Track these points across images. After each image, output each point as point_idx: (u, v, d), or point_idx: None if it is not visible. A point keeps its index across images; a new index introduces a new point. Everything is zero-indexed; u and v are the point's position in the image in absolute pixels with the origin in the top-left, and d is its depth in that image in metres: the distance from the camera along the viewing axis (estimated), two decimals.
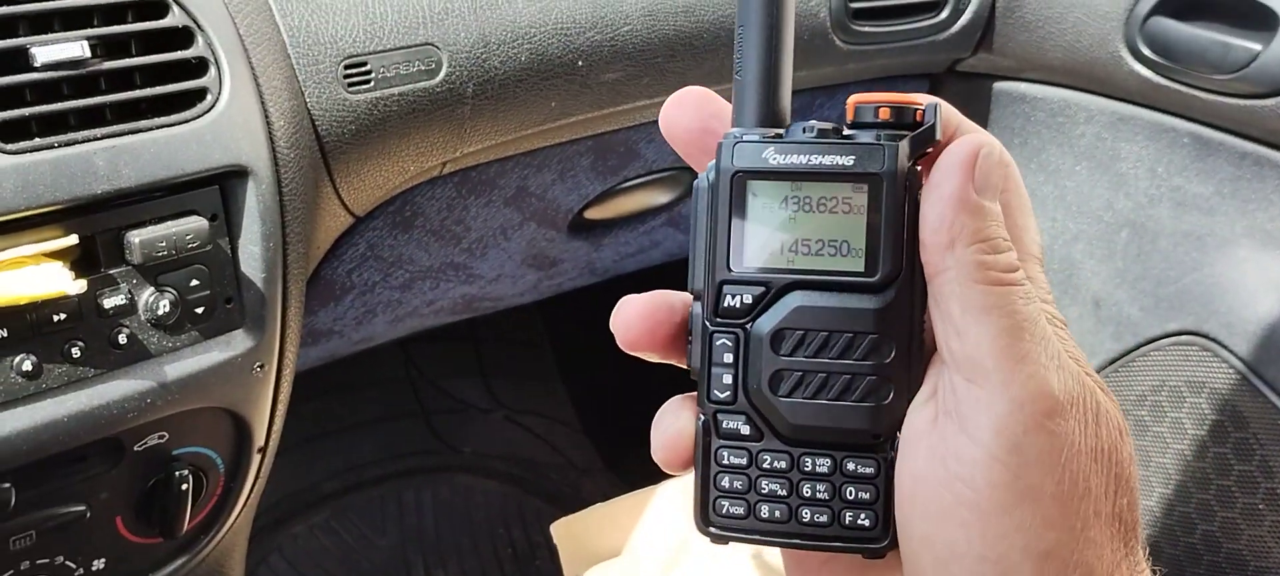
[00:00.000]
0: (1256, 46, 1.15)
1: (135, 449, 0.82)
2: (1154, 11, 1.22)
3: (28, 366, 0.73)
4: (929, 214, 0.43)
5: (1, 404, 0.73)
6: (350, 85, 0.90)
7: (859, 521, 0.45)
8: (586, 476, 1.91)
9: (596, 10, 1.03)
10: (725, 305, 0.45)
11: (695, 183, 0.46)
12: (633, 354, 0.47)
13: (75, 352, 0.75)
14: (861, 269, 0.44)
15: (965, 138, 0.43)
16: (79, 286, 0.73)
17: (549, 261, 1.30)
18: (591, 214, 1.25)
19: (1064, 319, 0.45)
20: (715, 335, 0.46)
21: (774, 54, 0.46)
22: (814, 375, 0.45)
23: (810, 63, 1.22)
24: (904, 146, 0.44)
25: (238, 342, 0.83)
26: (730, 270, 0.45)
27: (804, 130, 0.45)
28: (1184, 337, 1.32)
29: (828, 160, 0.44)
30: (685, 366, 0.47)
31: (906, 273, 0.44)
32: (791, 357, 0.45)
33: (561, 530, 1.41)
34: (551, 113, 1.04)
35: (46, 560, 0.81)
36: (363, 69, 0.90)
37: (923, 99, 0.45)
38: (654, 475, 1.43)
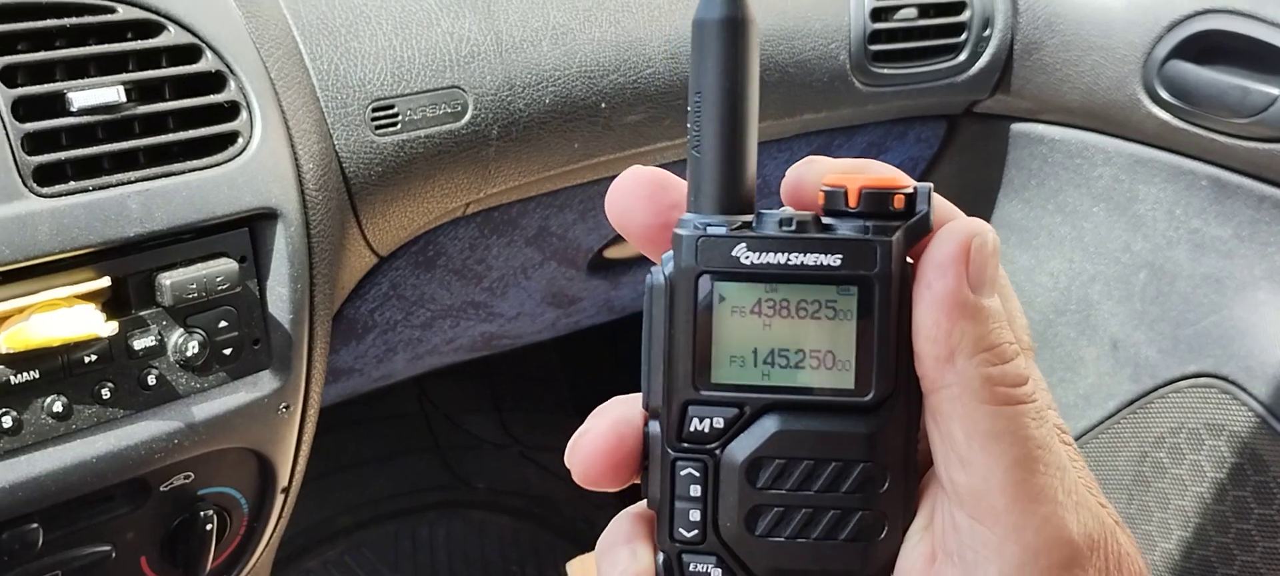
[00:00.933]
0: (1275, 91, 1.15)
1: (161, 489, 0.82)
2: (1172, 55, 1.23)
3: (58, 408, 0.74)
4: (924, 321, 0.37)
5: (32, 445, 0.73)
6: (378, 128, 0.91)
7: None
8: (601, 512, 1.91)
9: (620, 53, 1.04)
10: (692, 430, 0.39)
11: (648, 278, 0.39)
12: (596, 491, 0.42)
13: (105, 394, 0.76)
14: (851, 386, 0.38)
15: (952, 226, 0.37)
16: (111, 328, 0.73)
17: (568, 299, 1.30)
18: (611, 253, 1.26)
19: (1068, 429, 0.40)
20: (679, 463, 0.39)
21: (737, 127, 0.39)
22: (796, 511, 0.39)
23: (829, 105, 1.22)
24: (898, 241, 0.38)
25: (264, 383, 0.83)
26: (696, 389, 0.39)
27: (779, 223, 0.38)
28: (1203, 380, 1.32)
29: (810, 259, 0.38)
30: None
31: (902, 388, 0.39)
32: (771, 491, 0.39)
33: (577, 569, 1.40)
34: (574, 154, 1.05)
35: None
36: (390, 112, 0.91)
37: (906, 180, 0.39)
38: None
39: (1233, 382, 1.29)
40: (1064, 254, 1.45)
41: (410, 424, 1.89)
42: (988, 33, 1.29)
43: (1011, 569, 0.36)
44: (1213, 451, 1.32)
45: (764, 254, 0.38)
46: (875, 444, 0.39)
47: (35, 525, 0.75)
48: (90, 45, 0.76)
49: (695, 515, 0.39)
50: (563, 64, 1.00)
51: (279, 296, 0.82)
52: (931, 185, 0.39)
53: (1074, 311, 1.46)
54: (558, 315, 1.34)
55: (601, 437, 0.40)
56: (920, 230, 0.38)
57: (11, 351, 0.70)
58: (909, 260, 0.38)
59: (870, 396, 0.38)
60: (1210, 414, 1.31)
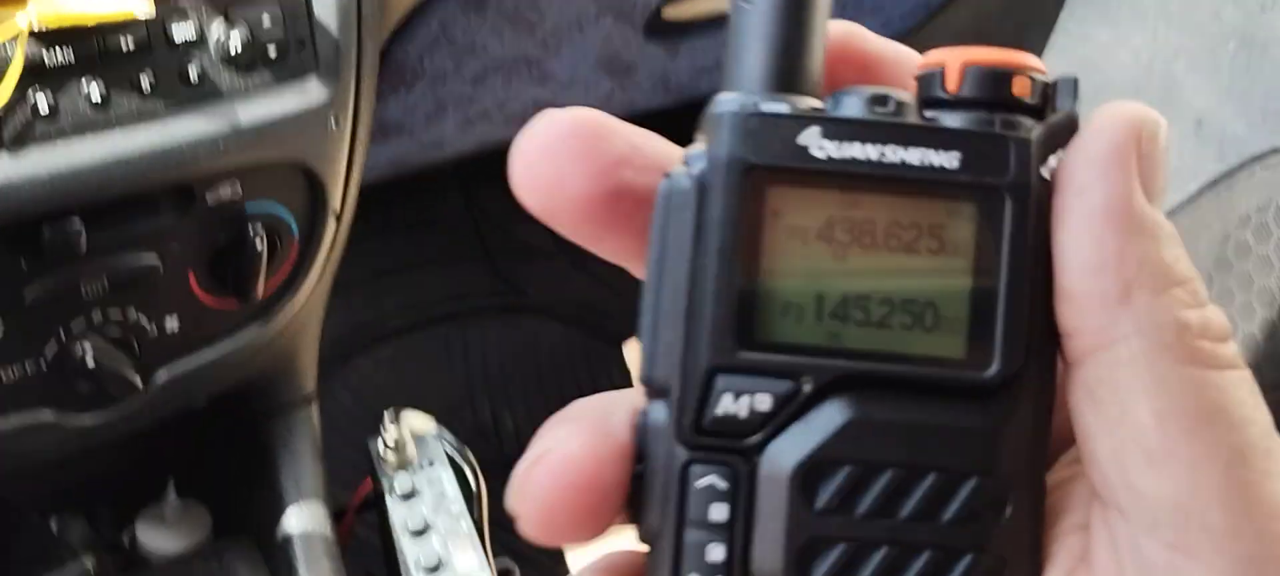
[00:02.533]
0: None
1: (207, 200, 0.78)
2: None
3: (96, 95, 0.70)
4: (1079, 244, 0.25)
5: (71, 132, 0.70)
6: None
7: None
8: None
9: None
10: (718, 414, 0.26)
11: (663, 183, 0.26)
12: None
13: (145, 84, 0.72)
14: (961, 354, 0.26)
15: (1111, 110, 0.25)
16: (148, 10, 0.69)
17: (624, 67, 1.25)
18: (669, 12, 1.19)
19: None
20: (695, 470, 0.26)
21: None
22: (873, 549, 0.25)
23: None
24: (1038, 141, 0.26)
25: (312, 91, 0.79)
26: (729, 350, 0.25)
27: (870, 103, 0.26)
28: None
29: (915, 158, 0.25)
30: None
31: (1034, 361, 0.25)
32: (836, 516, 0.25)
33: (634, 350, 1.37)
34: None
35: (120, 313, 0.79)
36: None
37: (1035, 62, 0.26)
38: None
39: None
40: (1147, 26, 1.36)
41: (459, 230, 1.86)
42: None
43: None
44: None
45: (845, 145, 0.25)
46: (996, 446, 0.25)
47: (77, 221, 0.72)
48: None
49: (717, 553, 0.25)
50: None
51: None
52: (1078, 77, 0.27)
53: (1156, 89, 1.38)
54: (613, 87, 1.28)
55: (571, 463, 0.25)
56: (1065, 132, 0.26)
57: (44, 27, 0.66)
58: (1045, 175, 0.26)
59: (992, 371, 0.25)
60: None
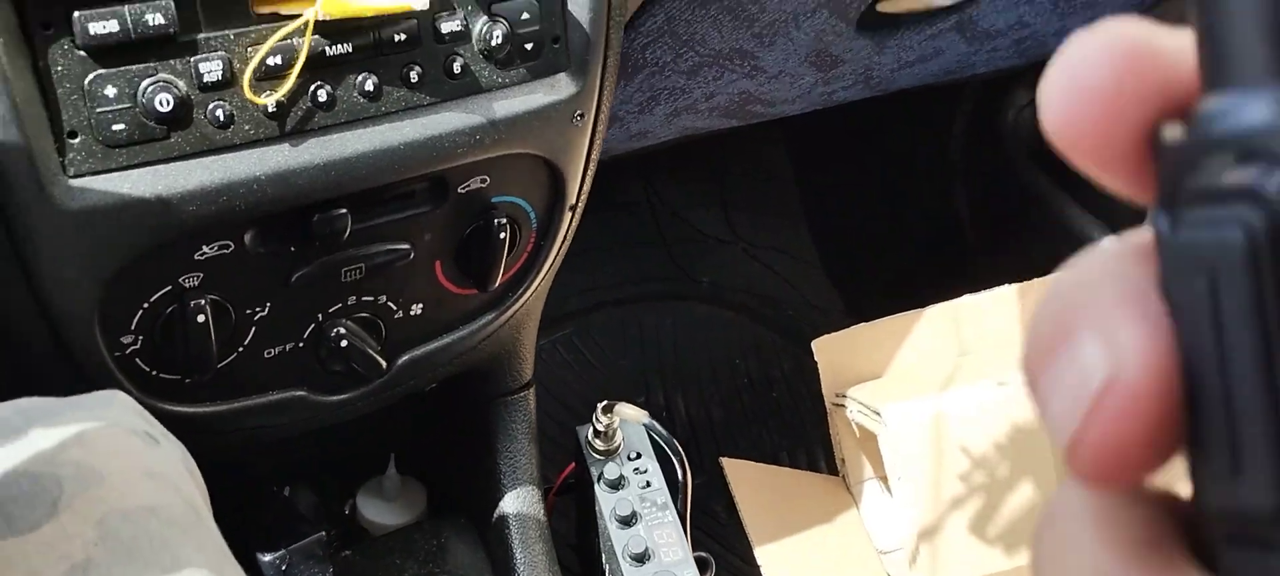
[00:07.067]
0: None
1: (459, 191, 0.80)
2: None
3: (370, 86, 0.72)
4: None
5: (345, 123, 0.72)
6: None
7: None
8: (824, 315, 1.86)
9: None
10: None
11: (1179, 238, 0.19)
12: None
13: (413, 77, 0.73)
14: None
15: None
16: (423, 2, 0.70)
17: (831, 61, 1.23)
18: (884, 6, 1.17)
19: None
20: None
21: None
22: None
23: None
24: None
25: (562, 86, 0.79)
26: None
27: None
28: None
29: None
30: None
31: None
32: None
33: (822, 347, 1.36)
34: None
35: (371, 297, 0.81)
36: None
37: None
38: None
39: None
40: None
41: (637, 215, 1.87)
42: None
43: None
44: None
45: None
46: None
47: (344, 210, 0.74)
48: None
49: None
50: None
51: None
52: None
53: None
54: (816, 79, 1.26)
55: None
56: None
57: (328, 16, 0.68)
58: None
59: None
60: None
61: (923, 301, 1.38)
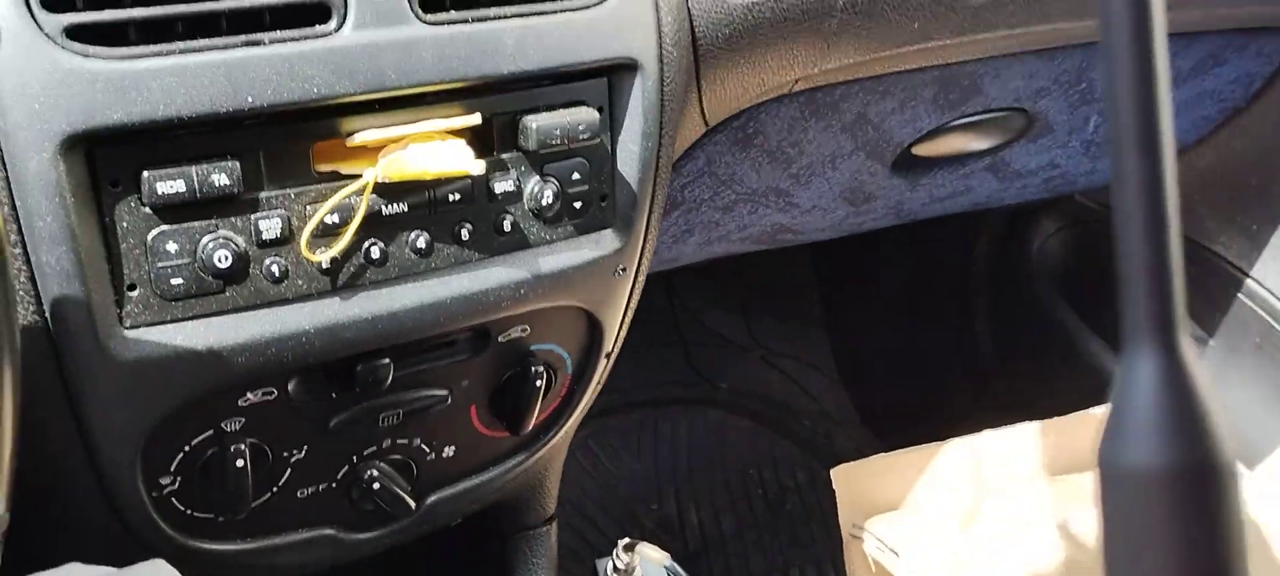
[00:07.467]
0: None
1: (500, 340, 0.81)
2: None
3: (422, 244, 0.73)
4: None
5: (396, 278, 0.72)
6: None
7: None
8: (839, 427, 1.86)
9: None
10: None
11: None
12: None
13: (464, 234, 0.74)
14: None
15: None
16: (480, 166, 0.71)
17: (864, 197, 1.24)
18: (920, 150, 1.18)
19: None
20: None
21: None
22: None
23: (1177, 2, 1.11)
24: None
25: (606, 242, 0.80)
26: None
27: None
28: None
29: None
30: None
31: None
32: None
33: (841, 476, 1.36)
34: (913, 34, 0.97)
35: (406, 440, 0.81)
36: None
37: None
38: (914, 435, 1.37)
39: None
40: None
41: (658, 317, 1.87)
42: None
43: None
44: None
45: None
46: None
47: (387, 361, 0.75)
48: None
49: None
50: None
51: (629, 153, 0.79)
52: None
53: None
54: (848, 212, 1.27)
55: None
56: None
57: (387, 180, 0.69)
58: None
59: None
60: None
61: (939, 421, 1.38)
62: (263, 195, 0.67)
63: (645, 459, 1.73)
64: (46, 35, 0.60)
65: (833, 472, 1.37)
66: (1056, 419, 1.36)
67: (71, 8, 0.61)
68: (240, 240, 0.67)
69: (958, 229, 1.71)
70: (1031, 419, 1.38)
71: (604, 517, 1.62)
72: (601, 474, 1.68)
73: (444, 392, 0.80)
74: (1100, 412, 1.46)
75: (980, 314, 1.75)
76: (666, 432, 1.76)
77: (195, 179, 0.64)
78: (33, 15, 0.60)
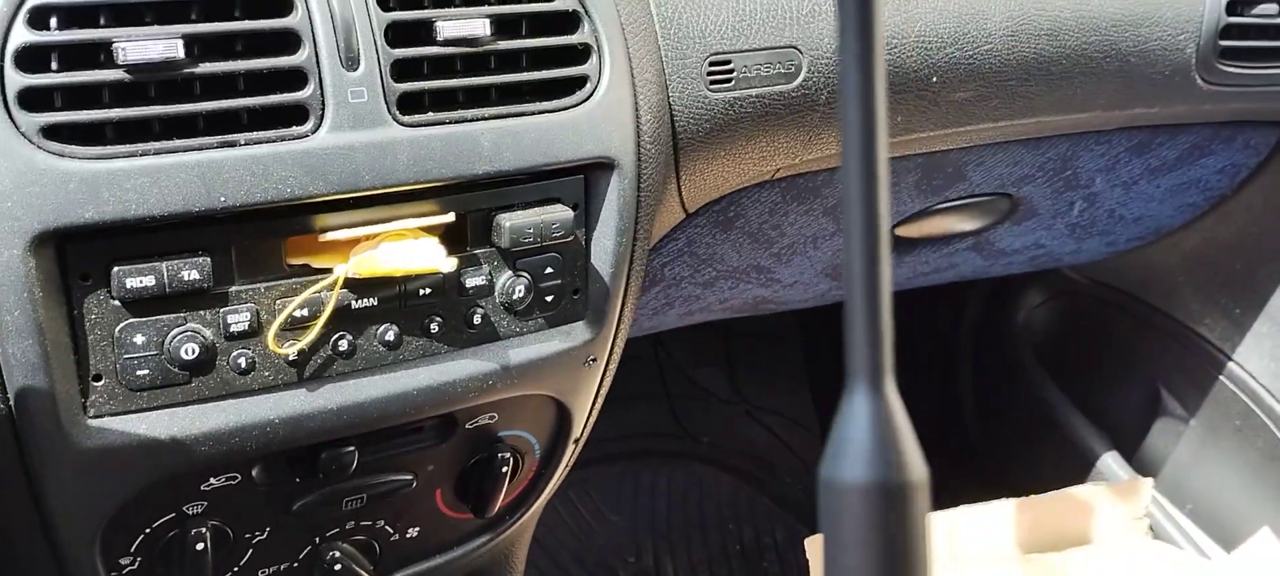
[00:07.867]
0: None
1: (466, 426, 0.81)
2: None
3: (390, 337, 0.73)
4: None
5: (362, 370, 0.73)
6: (712, 83, 0.86)
7: None
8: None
9: (960, 26, 0.96)
10: None
11: None
12: None
13: (433, 328, 0.75)
14: None
15: None
16: (451, 264, 0.72)
17: None
18: (903, 231, 1.19)
19: None
20: None
21: None
22: None
23: (1164, 99, 1.12)
24: None
25: (577, 334, 0.81)
26: None
27: None
28: None
29: None
30: None
31: None
32: None
33: (815, 546, 1.36)
34: (896, 127, 0.98)
35: (370, 522, 0.82)
36: (726, 67, 0.87)
37: None
38: None
39: None
40: None
41: (642, 369, 1.88)
42: None
43: None
44: None
45: None
46: None
47: (352, 448, 0.75)
48: None
49: None
50: (901, 32, 0.94)
51: (603, 248, 0.80)
52: None
53: None
54: (830, 286, 1.28)
55: None
56: None
57: (358, 276, 0.70)
58: None
59: None
60: None
61: None
62: (233, 289, 0.68)
63: (624, 510, 1.73)
64: (22, 134, 0.60)
65: (808, 543, 1.37)
66: (1032, 497, 1.37)
67: (50, 107, 0.61)
68: (208, 333, 0.67)
69: (945, 295, 1.72)
70: (1011, 488, 1.38)
71: (580, 571, 1.62)
72: (580, 524, 1.69)
73: (409, 477, 0.81)
74: (1077, 492, 1.46)
75: (963, 380, 1.76)
76: (646, 485, 1.77)
77: (165, 275, 0.64)
78: (10, 114, 0.60)
